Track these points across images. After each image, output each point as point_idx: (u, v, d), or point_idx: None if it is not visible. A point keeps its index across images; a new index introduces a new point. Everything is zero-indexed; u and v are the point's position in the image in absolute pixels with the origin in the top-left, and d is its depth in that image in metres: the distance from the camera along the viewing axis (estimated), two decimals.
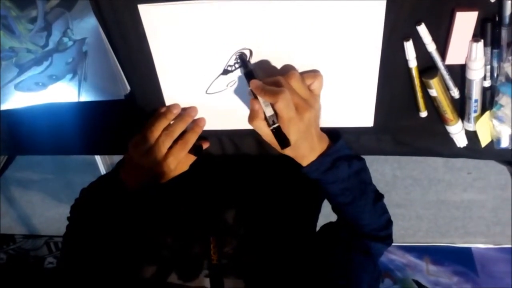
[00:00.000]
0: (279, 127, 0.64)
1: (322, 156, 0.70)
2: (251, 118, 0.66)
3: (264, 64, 0.71)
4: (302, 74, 0.68)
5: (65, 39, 0.71)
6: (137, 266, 0.71)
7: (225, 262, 0.71)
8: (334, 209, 0.81)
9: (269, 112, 0.64)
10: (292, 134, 0.65)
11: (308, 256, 0.73)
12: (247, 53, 0.69)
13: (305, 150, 0.69)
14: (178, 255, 0.72)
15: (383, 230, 0.81)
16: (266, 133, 0.66)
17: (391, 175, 1.98)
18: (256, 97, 0.65)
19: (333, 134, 0.74)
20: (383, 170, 1.97)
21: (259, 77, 0.67)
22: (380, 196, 0.81)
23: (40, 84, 0.76)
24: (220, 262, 0.71)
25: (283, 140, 0.65)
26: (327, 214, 0.83)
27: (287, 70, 0.67)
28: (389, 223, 0.82)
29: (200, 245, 0.73)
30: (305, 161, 0.71)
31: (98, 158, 2.01)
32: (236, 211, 0.77)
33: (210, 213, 0.77)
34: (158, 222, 0.76)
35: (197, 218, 0.77)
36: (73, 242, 0.79)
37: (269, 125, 0.64)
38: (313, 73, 0.69)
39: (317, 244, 0.79)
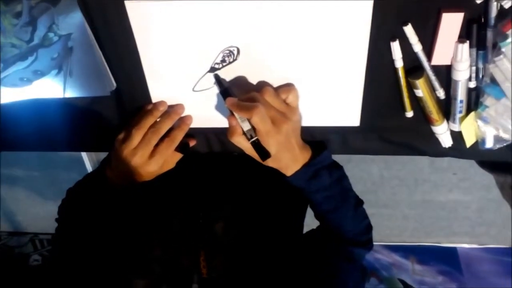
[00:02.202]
0: (257, 140, 0.67)
1: (305, 166, 0.73)
2: (230, 134, 0.68)
3: (239, 81, 0.72)
4: (277, 88, 0.70)
5: (51, 34, 0.70)
6: (127, 279, 0.70)
7: (215, 275, 0.71)
8: (317, 216, 0.83)
9: (246, 127, 0.67)
10: (271, 146, 0.67)
11: (295, 266, 0.73)
12: (234, 51, 0.69)
13: (288, 161, 0.71)
14: (168, 268, 0.71)
15: (364, 235, 0.83)
16: (247, 147, 0.68)
17: (378, 175, 1.99)
18: (232, 114, 0.67)
19: (318, 144, 0.76)
20: (370, 170, 1.98)
21: (234, 95, 0.70)
22: (361, 202, 0.83)
23: (25, 79, 0.75)
24: (210, 276, 0.70)
25: (263, 153, 0.68)
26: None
27: (261, 86, 0.69)
28: (369, 227, 0.85)
29: (190, 259, 0.72)
30: (289, 171, 0.73)
31: (84, 154, 2.00)
32: (224, 220, 0.76)
33: (199, 223, 0.77)
34: (146, 231, 0.75)
35: (186, 229, 0.76)
36: (62, 244, 0.78)
37: (248, 139, 0.67)
38: (287, 87, 0.71)
39: (302, 254, 0.79)
